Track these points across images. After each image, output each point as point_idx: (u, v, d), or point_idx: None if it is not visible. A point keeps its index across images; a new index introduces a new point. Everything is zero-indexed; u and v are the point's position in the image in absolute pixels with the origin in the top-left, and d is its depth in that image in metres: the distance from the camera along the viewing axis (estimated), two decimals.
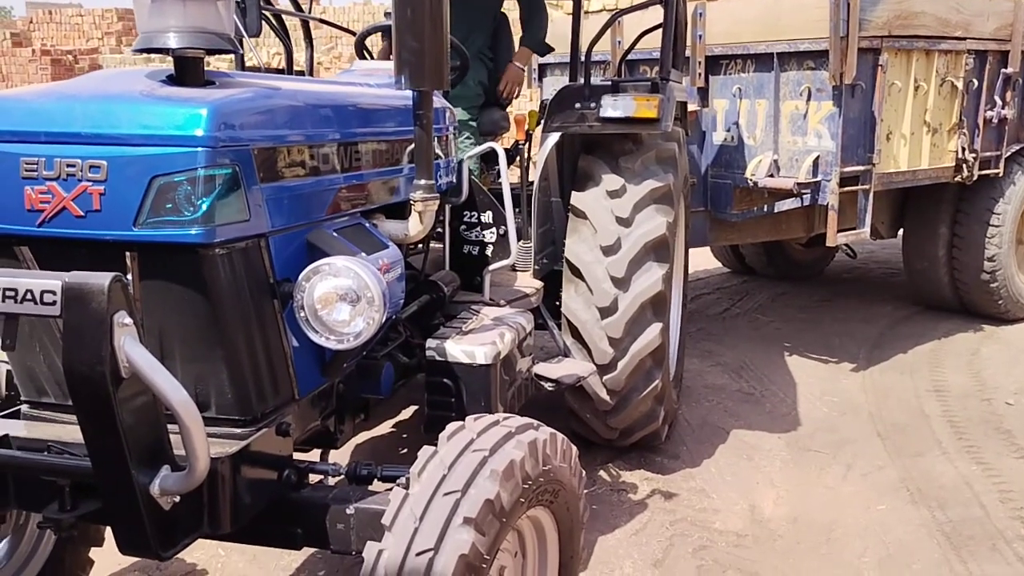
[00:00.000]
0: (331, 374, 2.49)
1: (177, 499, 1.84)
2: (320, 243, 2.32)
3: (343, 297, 2.16)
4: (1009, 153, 6.06)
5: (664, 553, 3.40)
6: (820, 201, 5.08)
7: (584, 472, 2.45)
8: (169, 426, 1.84)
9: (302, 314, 2.17)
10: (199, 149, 1.92)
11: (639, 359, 3.67)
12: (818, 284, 7.62)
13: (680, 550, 3.42)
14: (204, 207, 1.93)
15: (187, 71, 2.12)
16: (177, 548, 1.95)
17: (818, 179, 5.04)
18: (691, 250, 5.02)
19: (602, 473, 4.03)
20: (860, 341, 6.00)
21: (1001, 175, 6.01)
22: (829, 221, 5.04)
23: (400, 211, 2.81)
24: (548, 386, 3.39)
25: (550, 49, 4.96)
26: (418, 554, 1.85)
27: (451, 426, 2.16)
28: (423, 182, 2.48)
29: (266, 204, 2.12)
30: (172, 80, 2.13)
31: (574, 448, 2.36)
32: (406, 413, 4.59)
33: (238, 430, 2.10)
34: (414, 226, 2.62)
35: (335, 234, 2.39)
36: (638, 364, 3.68)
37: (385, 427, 4.47)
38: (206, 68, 2.18)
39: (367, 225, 2.62)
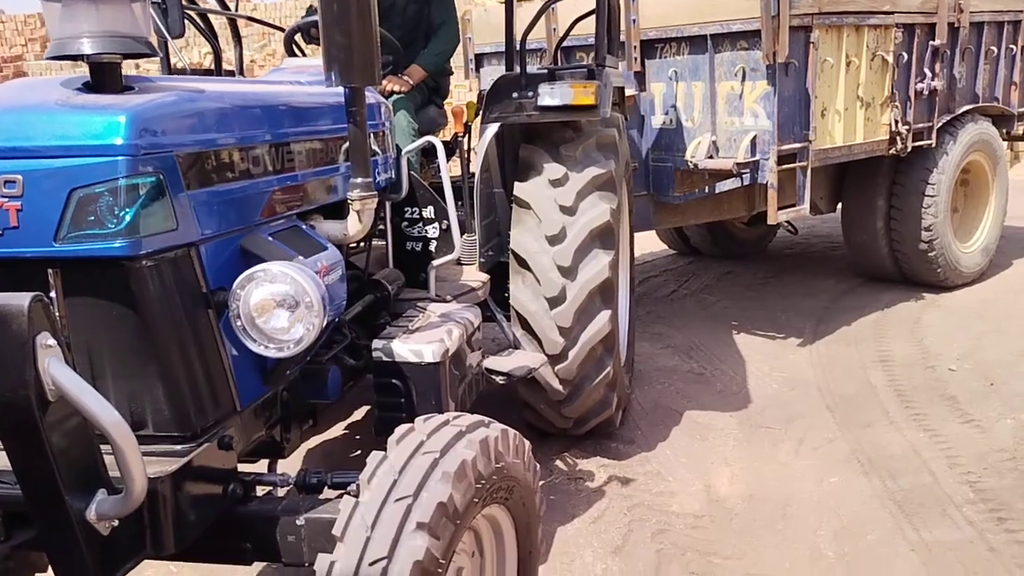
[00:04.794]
0: (274, 382, 2.43)
1: (116, 523, 1.77)
2: (254, 248, 2.26)
3: (281, 303, 2.10)
4: (941, 124, 6.18)
5: (623, 539, 3.40)
6: (759, 180, 5.13)
7: (539, 465, 2.43)
8: (105, 447, 1.77)
9: (239, 323, 2.11)
10: (119, 158, 1.85)
11: (590, 347, 3.67)
12: (762, 261, 7.72)
13: (639, 535, 3.43)
14: (128, 218, 1.86)
15: (104, 77, 2.04)
16: (120, 573, 1.88)
17: (756, 158, 5.09)
18: (636, 234, 5.02)
19: (558, 463, 4.01)
20: (805, 315, 6.08)
21: (934, 146, 6.13)
22: (769, 199, 5.09)
23: (338, 211, 2.75)
24: (499, 379, 3.37)
25: (444, 70, 4.67)
26: (371, 563, 1.81)
27: (400, 429, 2.11)
28: (360, 180, 2.43)
29: (194, 211, 2.05)
30: (89, 87, 2.04)
31: (527, 443, 2.33)
32: (359, 414, 4.53)
33: (178, 447, 2.03)
34: (353, 225, 2.57)
35: (270, 238, 2.33)
36: (589, 352, 3.68)
37: (337, 429, 4.40)
38: (126, 74, 2.10)
39: (304, 227, 2.56)
